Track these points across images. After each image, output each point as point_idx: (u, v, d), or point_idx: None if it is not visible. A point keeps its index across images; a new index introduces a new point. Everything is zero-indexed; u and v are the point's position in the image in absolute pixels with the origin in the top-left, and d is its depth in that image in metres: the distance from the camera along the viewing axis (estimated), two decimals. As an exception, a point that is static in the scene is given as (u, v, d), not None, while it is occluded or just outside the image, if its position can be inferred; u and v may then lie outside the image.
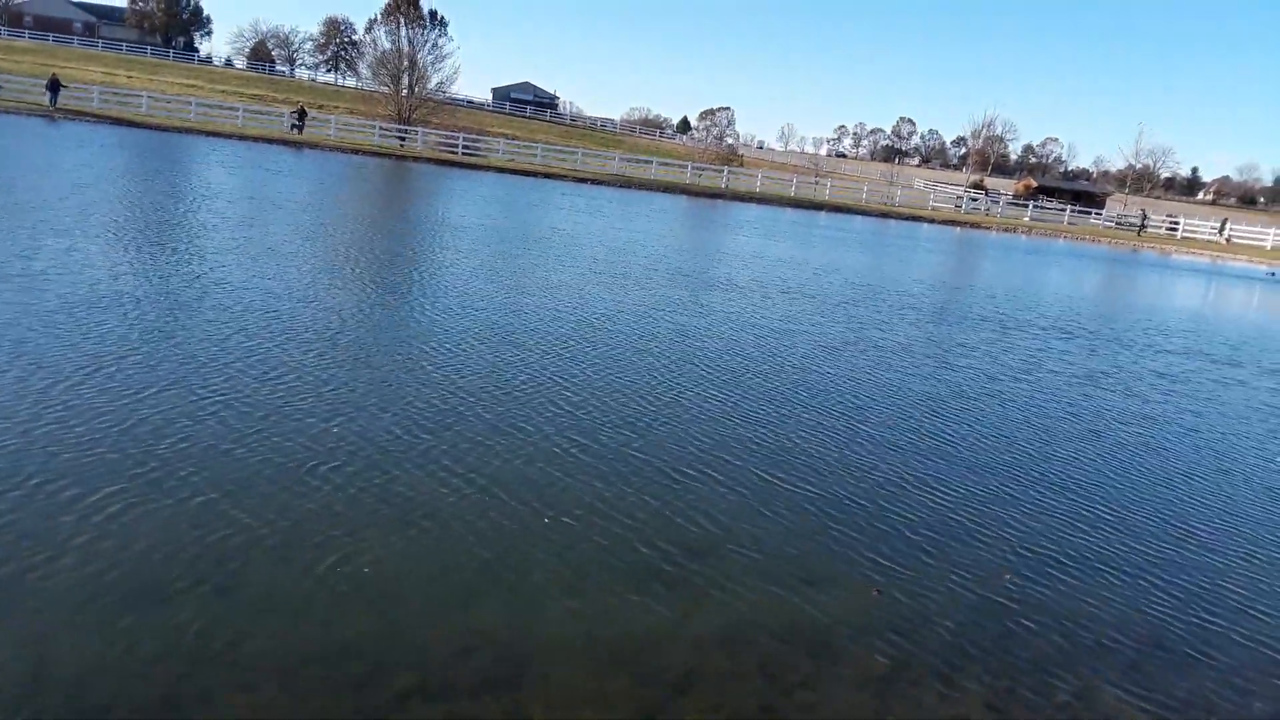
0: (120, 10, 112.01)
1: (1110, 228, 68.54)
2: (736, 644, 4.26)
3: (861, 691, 4.01)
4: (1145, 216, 66.17)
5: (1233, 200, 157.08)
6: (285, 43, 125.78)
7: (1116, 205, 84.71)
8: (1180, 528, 6.50)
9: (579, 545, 5.07)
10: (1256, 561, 6.05)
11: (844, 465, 6.95)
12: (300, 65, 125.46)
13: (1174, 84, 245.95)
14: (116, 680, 3.53)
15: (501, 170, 51.06)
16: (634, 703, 3.74)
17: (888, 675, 4.15)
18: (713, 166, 67.53)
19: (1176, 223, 68.72)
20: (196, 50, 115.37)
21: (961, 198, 71.59)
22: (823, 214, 51.74)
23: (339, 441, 6.14)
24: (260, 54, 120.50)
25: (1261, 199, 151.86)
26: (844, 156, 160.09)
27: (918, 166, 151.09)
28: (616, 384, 8.47)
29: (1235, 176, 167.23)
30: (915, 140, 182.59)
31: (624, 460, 6.46)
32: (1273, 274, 40.69)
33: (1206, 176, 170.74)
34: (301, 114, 53.25)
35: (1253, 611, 5.29)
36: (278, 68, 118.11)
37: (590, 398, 7.91)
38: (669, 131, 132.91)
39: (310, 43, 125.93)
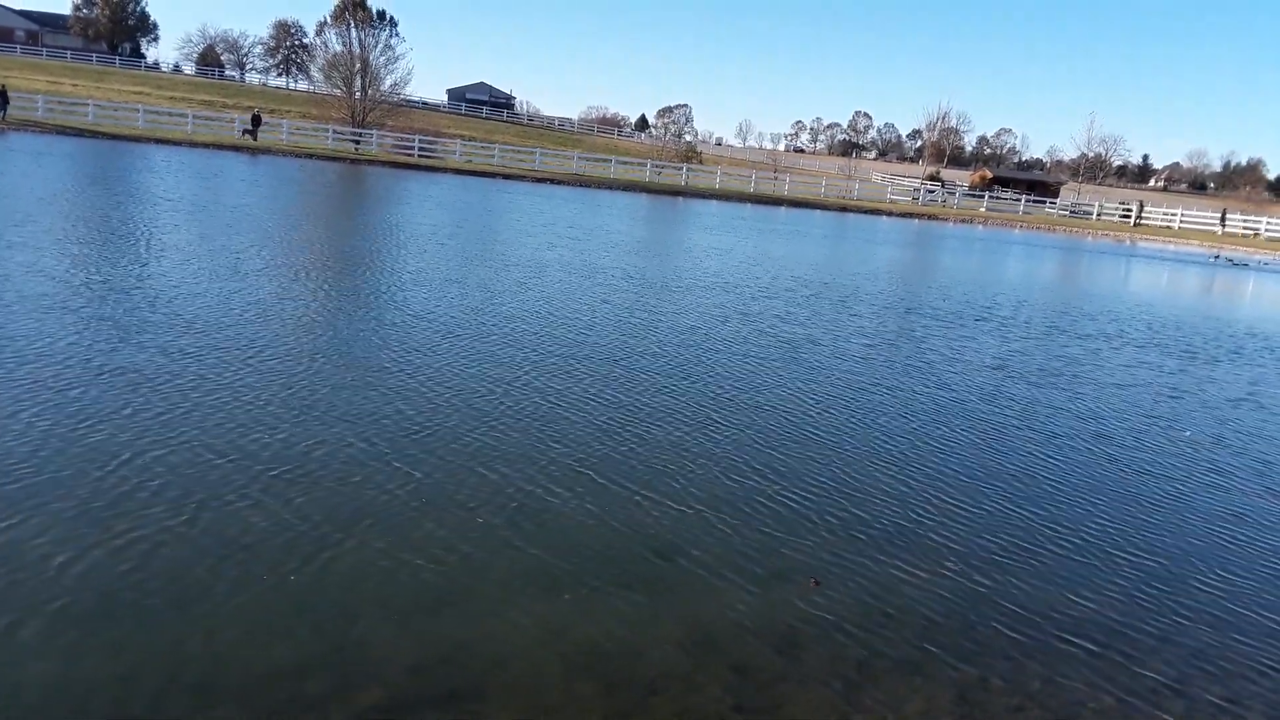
0: (64, 18, 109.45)
1: (1065, 216, 69.49)
2: (705, 644, 4.21)
3: (830, 687, 3.98)
4: (1141, 207, 66.33)
5: (1183, 186, 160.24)
6: (234, 47, 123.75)
7: (1070, 194, 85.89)
8: (1134, 514, 6.56)
9: (541, 551, 4.99)
10: (1214, 544, 6.11)
11: (805, 463, 6.93)
12: (250, 70, 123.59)
13: (1125, 73, 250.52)
14: (62, 702, 3.40)
15: (459, 172, 50.69)
16: (603, 708, 3.68)
17: (857, 669, 4.13)
18: (672, 164, 67.57)
19: (1130, 210, 69.83)
20: (143, 57, 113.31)
21: (918, 190, 72.22)
22: (782, 209, 51.93)
23: (289, 453, 6.01)
24: (209, 59, 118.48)
25: (1211, 184, 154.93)
26: (802, 151, 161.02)
27: (875, 160, 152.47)
28: (575, 388, 8.39)
29: (1185, 163, 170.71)
30: (872, 134, 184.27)
31: (585, 464, 6.40)
32: (1216, 257, 41.53)
33: (1157, 163, 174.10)
34: (256, 120, 52.47)
35: (1212, 593, 5.34)
36: (227, 73, 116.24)
37: (549, 402, 7.83)
38: (627, 130, 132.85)
39: (260, 46, 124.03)
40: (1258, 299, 26.03)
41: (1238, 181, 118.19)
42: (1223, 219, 62.98)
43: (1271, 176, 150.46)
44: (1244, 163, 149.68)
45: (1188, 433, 8.81)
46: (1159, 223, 64.52)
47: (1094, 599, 5.09)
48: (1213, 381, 11.60)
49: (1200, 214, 66.80)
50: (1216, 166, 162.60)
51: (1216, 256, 41.66)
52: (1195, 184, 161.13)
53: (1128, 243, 51.87)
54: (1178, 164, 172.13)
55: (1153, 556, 5.76)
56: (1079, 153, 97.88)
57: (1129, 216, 67.80)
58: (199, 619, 4.02)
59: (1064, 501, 6.60)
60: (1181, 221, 64.43)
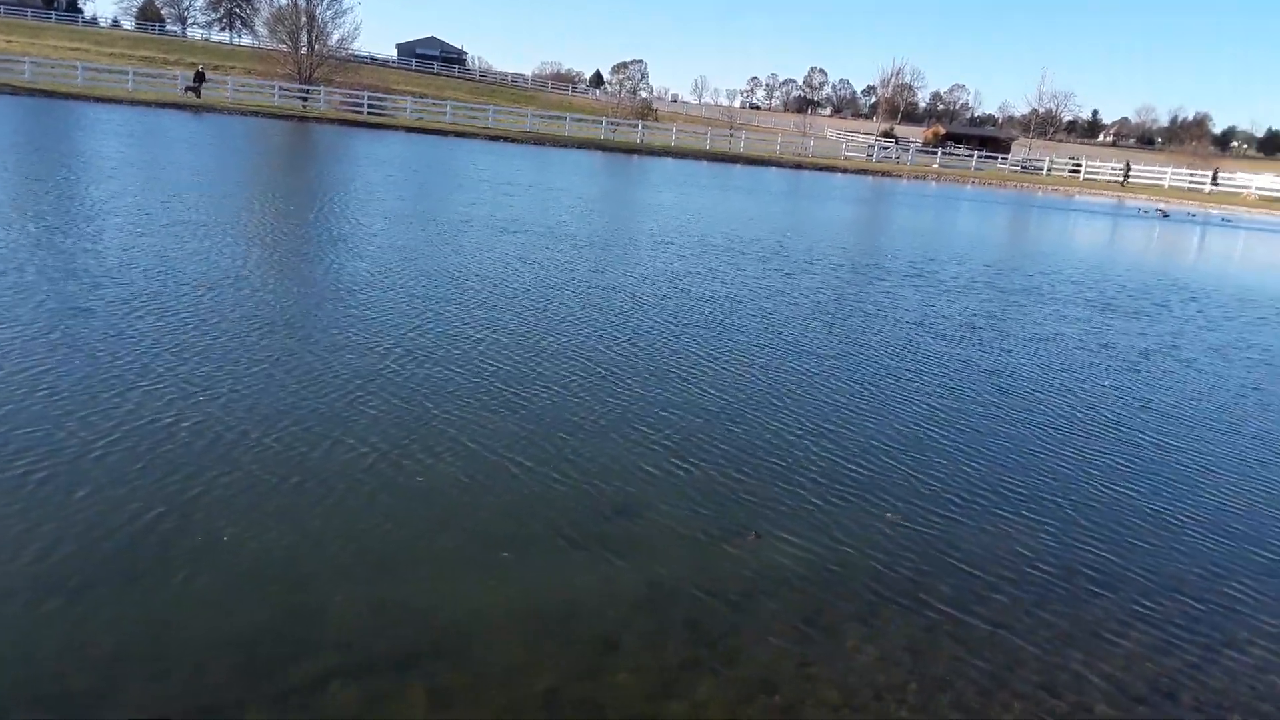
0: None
1: (1016, 172, 70.19)
2: (660, 601, 4.27)
3: (784, 638, 4.06)
4: (1128, 167, 65.89)
5: (1132, 141, 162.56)
6: (175, 1, 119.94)
7: (1021, 150, 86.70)
8: (1088, 461, 6.73)
9: (497, 511, 5.01)
10: (1150, 491, 6.30)
11: (757, 418, 7.01)
12: (192, 24, 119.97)
13: (1075, 29, 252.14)
14: (18, 677, 3.37)
15: (410, 130, 49.83)
16: (561, 667, 3.73)
17: (809, 621, 4.22)
18: (628, 121, 66.98)
19: (1079, 165, 70.71)
20: (80, 11, 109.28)
21: (872, 147, 72.42)
22: (738, 166, 51.84)
23: (230, 420, 5.95)
24: (149, 14, 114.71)
25: (1159, 139, 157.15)
26: (757, 108, 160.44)
27: (830, 116, 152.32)
28: (528, 345, 8.38)
29: (1133, 118, 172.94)
30: (827, 90, 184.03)
31: (538, 422, 6.41)
32: (1150, 211, 42.46)
33: (1106, 119, 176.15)
34: (200, 77, 50.99)
35: (1148, 539, 5.51)
36: (168, 28, 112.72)
37: (501, 359, 7.81)
38: (582, 87, 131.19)
39: (202, 1, 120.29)
40: (1184, 252, 26.61)
41: (1184, 136, 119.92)
42: (1126, 172, 64.40)
43: (1217, 131, 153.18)
44: (1190, 118, 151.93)
45: (1106, 381, 9.03)
46: (1148, 180, 64.72)
47: (1031, 545, 5.23)
48: (1137, 334, 11.87)
49: (1147, 168, 67.82)
50: (1164, 122, 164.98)
51: (1159, 212, 42.49)
52: (1143, 139, 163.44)
53: (1076, 197, 52.61)
54: (1126, 119, 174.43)
55: (1087, 501, 5.93)
56: (1030, 109, 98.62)
57: (1078, 171, 68.64)
58: (146, 590, 3.99)
59: (996, 451, 6.75)
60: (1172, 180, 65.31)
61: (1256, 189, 60.43)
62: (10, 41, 64.89)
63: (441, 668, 3.65)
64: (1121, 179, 64.32)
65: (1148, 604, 4.71)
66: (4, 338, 7.04)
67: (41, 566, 4.06)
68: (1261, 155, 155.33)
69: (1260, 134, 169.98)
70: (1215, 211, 48.40)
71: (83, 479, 4.89)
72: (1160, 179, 64.77)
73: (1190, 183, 63.64)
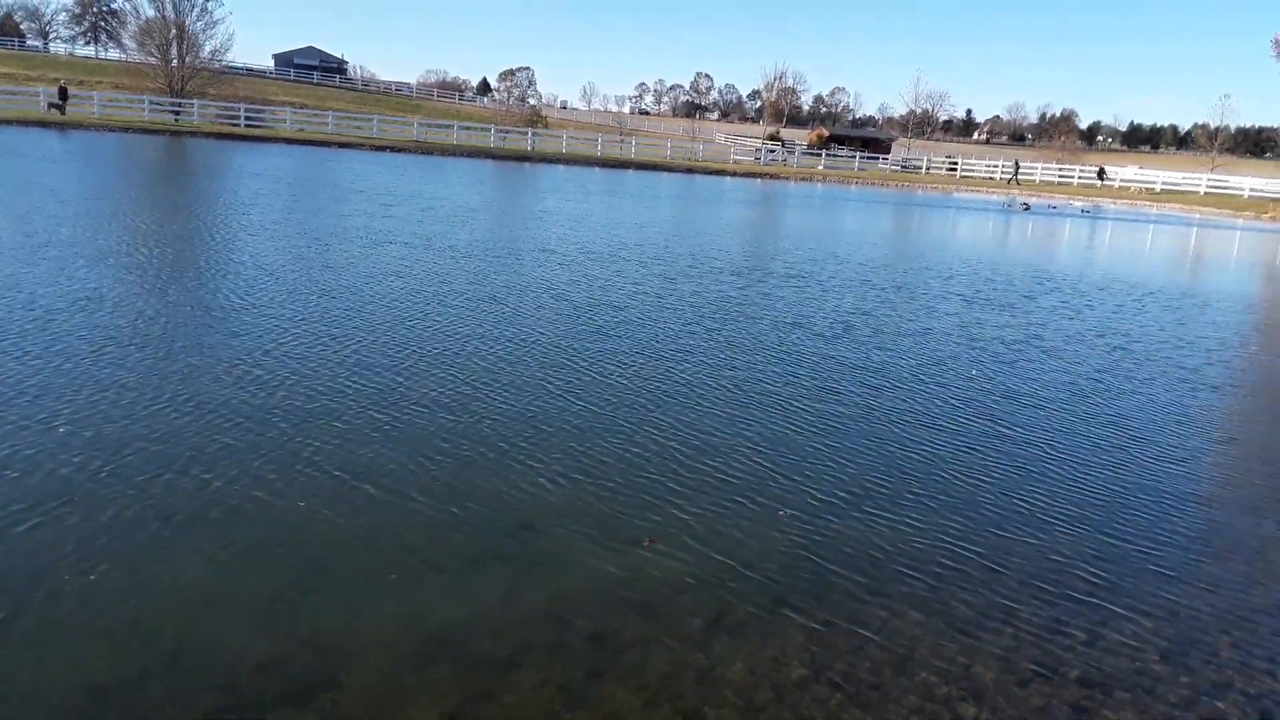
0: None
1: (897, 171, 72.47)
2: (562, 616, 4.24)
3: (686, 644, 4.08)
4: (1018, 165, 67.00)
5: (1004, 138, 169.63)
6: (35, 15, 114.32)
7: (901, 150, 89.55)
8: (965, 451, 6.98)
9: (392, 534, 4.90)
10: (1043, 479, 6.56)
11: (641, 427, 7.04)
12: (55, 39, 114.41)
13: (948, 29, 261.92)
14: None
15: (291, 141, 48.45)
16: (458, 690, 3.66)
17: (710, 626, 4.24)
18: (517, 129, 66.54)
19: (955, 164, 73.45)
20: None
21: (760, 150, 73.73)
22: (630, 172, 52.10)
23: (126, 448, 5.67)
24: (8, 28, 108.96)
25: (1029, 135, 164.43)
26: (646, 114, 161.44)
27: (718, 121, 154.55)
28: (402, 363, 8.23)
29: (1005, 116, 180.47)
30: (714, 95, 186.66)
31: (445, 439, 6.30)
32: (1015, 204, 44.57)
33: (980, 117, 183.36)
34: (63, 93, 48.47)
35: (1041, 524, 5.74)
36: (29, 43, 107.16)
37: (408, 375, 7.66)
38: (469, 94, 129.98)
39: (64, 14, 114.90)
40: (1051, 243, 27.92)
41: (1053, 132, 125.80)
42: (1015, 170, 66.13)
43: (1084, 126, 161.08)
44: (1059, 114, 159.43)
45: (974, 372, 9.39)
46: (1024, 178, 66.60)
47: (917, 536, 5.38)
48: (1005, 326, 12.39)
49: (1032, 165, 70.92)
50: (1034, 118, 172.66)
51: (1022, 205, 44.42)
52: (1015, 136, 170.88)
53: (955, 194, 54.63)
54: (998, 117, 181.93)
55: (967, 491, 6.14)
56: (908, 109, 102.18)
57: (955, 169, 71.26)
58: (41, 632, 3.76)
59: (877, 446, 6.94)
60: (1003, 172, 68.18)
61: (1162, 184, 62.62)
62: None
63: (336, 699, 3.54)
64: (1011, 177, 65.80)
65: (1034, 586, 4.90)
66: None
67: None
68: (1125, 148, 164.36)
69: (1123, 128, 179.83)
70: (1077, 203, 50.98)
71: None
72: (1036, 175, 67.61)
73: (1080, 179, 66.46)
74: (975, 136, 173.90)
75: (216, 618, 4.01)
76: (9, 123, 42.41)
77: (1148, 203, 54.81)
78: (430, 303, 10.77)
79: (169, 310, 9.49)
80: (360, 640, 3.93)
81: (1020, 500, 6.08)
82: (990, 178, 68.04)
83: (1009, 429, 7.62)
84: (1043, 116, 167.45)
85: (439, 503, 5.32)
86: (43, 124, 43.60)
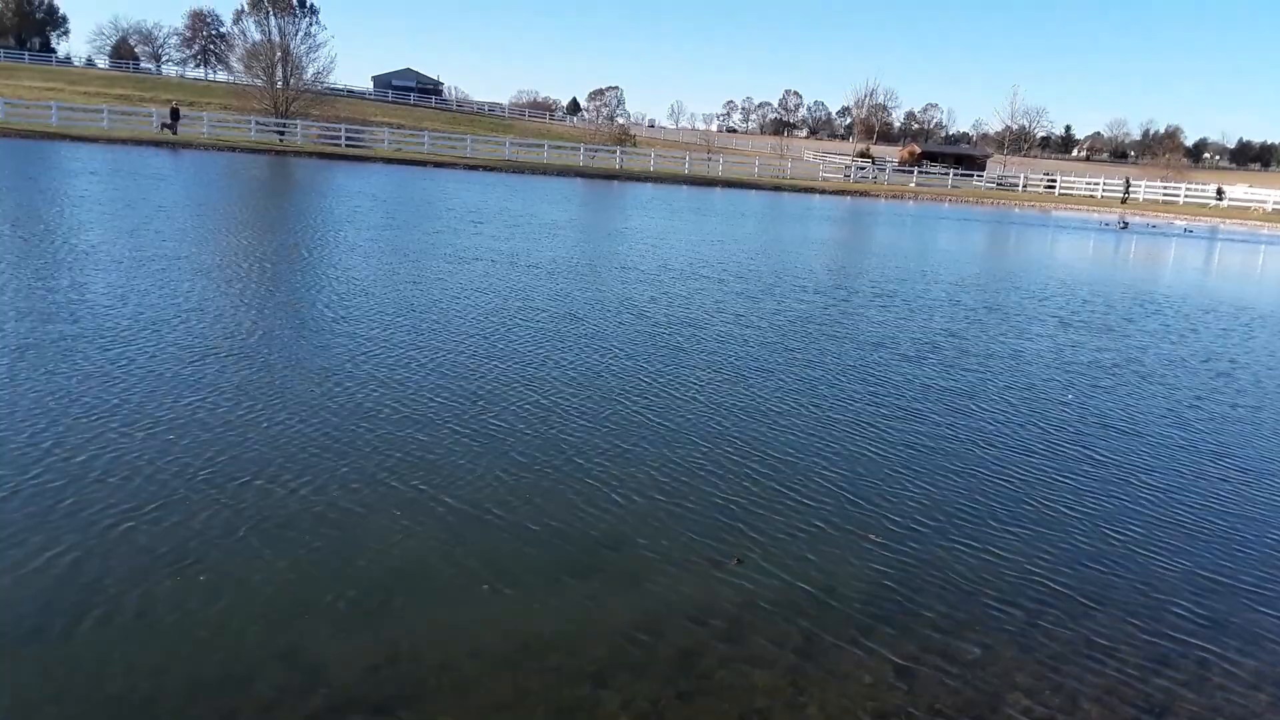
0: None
1: (992, 189, 70.88)
2: (651, 632, 4.25)
3: (775, 668, 4.04)
4: (1128, 183, 65.55)
5: (1105, 155, 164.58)
6: (149, 39, 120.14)
7: (996, 166, 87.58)
8: (1056, 479, 6.76)
9: (485, 545, 4.99)
10: (1140, 510, 6.33)
11: (727, 444, 7.01)
12: (167, 61, 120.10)
13: (1046, 45, 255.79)
14: (-3, 734, 3.32)
15: (389, 161, 49.91)
16: (552, 701, 3.70)
17: (799, 653, 4.20)
18: (606, 147, 67.30)
19: (1054, 181, 71.48)
20: (54, 51, 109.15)
21: (849, 167, 73.00)
22: (717, 190, 52.15)
23: (221, 459, 5.90)
24: (123, 52, 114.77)
25: (1132, 153, 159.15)
26: (734, 131, 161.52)
27: (806, 138, 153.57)
28: (517, 375, 8.37)
29: (1106, 132, 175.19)
30: (802, 112, 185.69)
31: (526, 454, 6.39)
32: (1113, 223, 42.98)
33: (1079, 134, 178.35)
34: (175, 114, 51.01)
35: (1139, 557, 5.53)
36: (143, 65, 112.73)
37: (490, 390, 7.80)
38: (559, 114, 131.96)
39: (176, 37, 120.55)
40: (1153, 264, 26.89)
41: (1157, 149, 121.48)
42: (1126, 188, 63.85)
43: (1189, 143, 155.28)
44: (1162, 130, 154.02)
45: (1069, 397, 9.09)
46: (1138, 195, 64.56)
47: (1013, 565, 5.24)
48: (1108, 349, 11.97)
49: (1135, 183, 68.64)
50: (1136, 135, 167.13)
51: (1120, 224, 42.92)
52: (1116, 153, 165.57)
53: (1054, 212, 53.18)
54: (1099, 134, 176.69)
55: (1072, 517, 5.95)
56: (1004, 126, 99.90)
57: (1053, 186, 69.32)
58: (135, 631, 3.94)
59: (969, 471, 6.77)
60: (1105, 190, 66.04)
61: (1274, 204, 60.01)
62: (-16, 83, 64.68)
63: (431, 707, 3.61)
64: (1123, 196, 63.68)
65: (1134, 622, 4.72)
66: (-19, 383, 6.98)
67: (17, 611, 4.00)
68: (1233, 166, 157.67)
69: (1231, 145, 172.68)
70: (1180, 223, 49.07)
71: (65, 516, 4.83)
72: (1140, 193, 65.29)
73: (1187, 197, 64.04)
74: (1075, 153, 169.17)
75: (304, 624, 4.14)
76: (124, 142, 44.67)
77: (1259, 223, 52.42)
78: (512, 318, 10.95)
79: (265, 322, 9.86)
80: (447, 650, 4.00)
81: (1116, 532, 5.86)
82: (1091, 195, 66.03)
83: (1104, 456, 7.36)
84: (1146, 133, 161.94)
85: (518, 517, 5.39)
86: (155, 143, 45.81)
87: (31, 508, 5.01)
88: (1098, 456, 7.35)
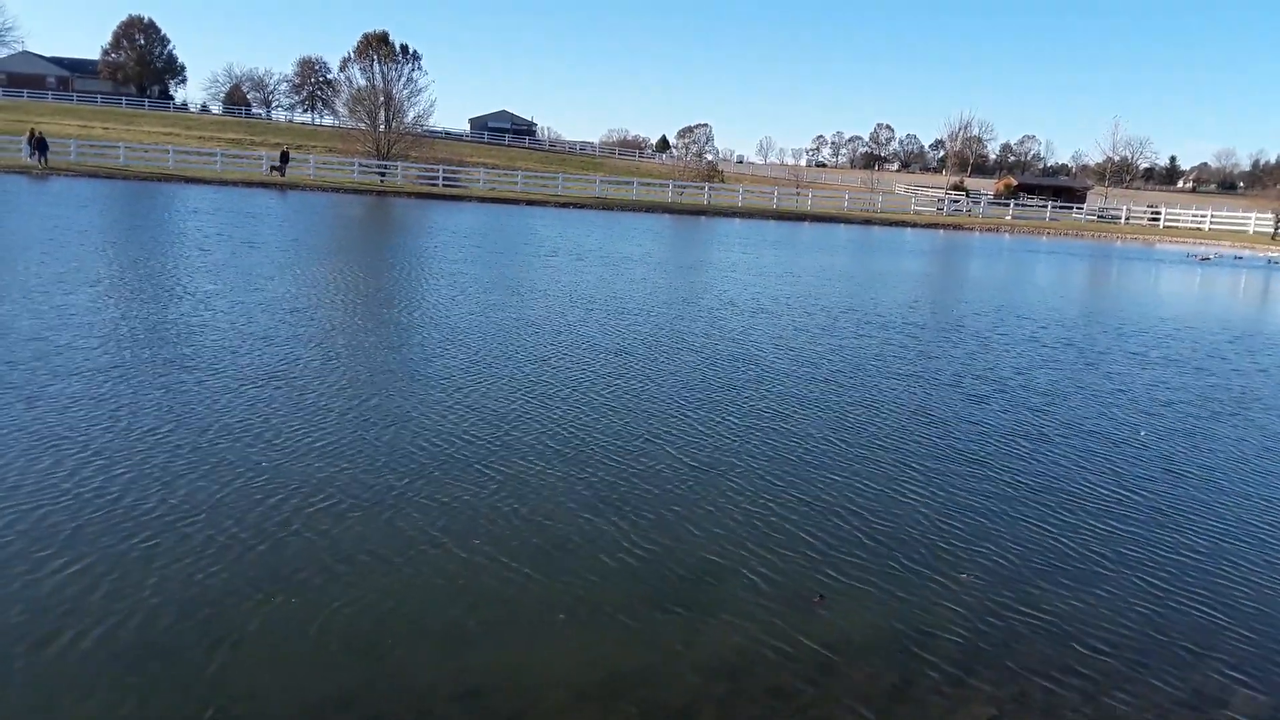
0: (93, 63, 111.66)
1: (1092, 221, 68.90)
2: (739, 669, 4.22)
3: (869, 709, 3.97)
4: (1279, 217, 59.17)
5: (1213, 187, 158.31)
6: (260, 85, 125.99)
7: (1097, 198, 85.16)
8: (1160, 516, 6.49)
9: (574, 578, 5.03)
10: (1248, 553, 6.04)
11: (817, 481, 6.93)
12: (276, 106, 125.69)
13: (1149, 74, 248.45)
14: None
15: (483, 200, 51.14)
16: (638, 735, 3.70)
17: (893, 690, 4.12)
18: (694, 184, 67.73)
19: (1158, 213, 69.08)
20: (172, 98, 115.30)
21: (943, 200, 71.92)
22: (806, 224, 51.92)
23: (321, 486, 6.10)
24: (236, 98, 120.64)
25: (1241, 184, 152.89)
26: (824, 166, 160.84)
27: (897, 171, 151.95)
28: (606, 413, 8.44)
29: (1213, 163, 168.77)
30: (894, 146, 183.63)
31: (615, 489, 6.44)
32: (1207, 258, 41.12)
33: (1185, 164, 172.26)
34: (284, 157, 53.26)
35: (1248, 605, 5.27)
36: (254, 110, 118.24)
37: (578, 427, 7.89)
38: (648, 151, 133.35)
39: (285, 84, 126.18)
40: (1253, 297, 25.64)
41: (1268, 180, 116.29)
42: (1277, 223, 59.02)
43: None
44: (1273, 160, 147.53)
45: (1142, 433, 8.74)
46: (1229, 227, 61.01)
47: (1114, 610, 5.04)
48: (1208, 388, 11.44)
49: (1230, 214, 65.89)
50: (1245, 166, 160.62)
51: (1202, 257, 41.13)
52: (1224, 184, 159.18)
53: (1158, 246, 51.34)
54: (1206, 164, 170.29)
55: (1182, 564, 5.70)
56: (1104, 157, 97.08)
57: (1157, 219, 66.77)
58: (233, 654, 4.09)
59: (1063, 511, 6.55)
60: (1212, 222, 63.48)
61: None
62: (107, 129, 68.72)
63: (521, 737, 3.66)
64: (1273, 231, 59.11)
65: (1247, 673, 4.50)
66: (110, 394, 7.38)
67: (122, 632, 4.19)
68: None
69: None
70: (1262, 254, 46.86)
71: (165, 538, 5.06)
72: (1249, 226, 62.37)
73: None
74: (1180, 184, 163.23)
75: (408, 647, 4.23)
76: (236, 183, 46.82)
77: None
78: (598, 354, 11.05)
79: (366, 355, 10.16)
80: (541, 677, 4.05)
81: (1227, 578, 5.59)
82: (1198, 228, 63.49)
83: (1207, 497, 7.05)
84: (1256, 164, 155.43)
85: (607, 552, 5.42)
86: (265, 184, 47.89)
87: (164, 539, 5.26)
88: (1201, 496, 7.04)
